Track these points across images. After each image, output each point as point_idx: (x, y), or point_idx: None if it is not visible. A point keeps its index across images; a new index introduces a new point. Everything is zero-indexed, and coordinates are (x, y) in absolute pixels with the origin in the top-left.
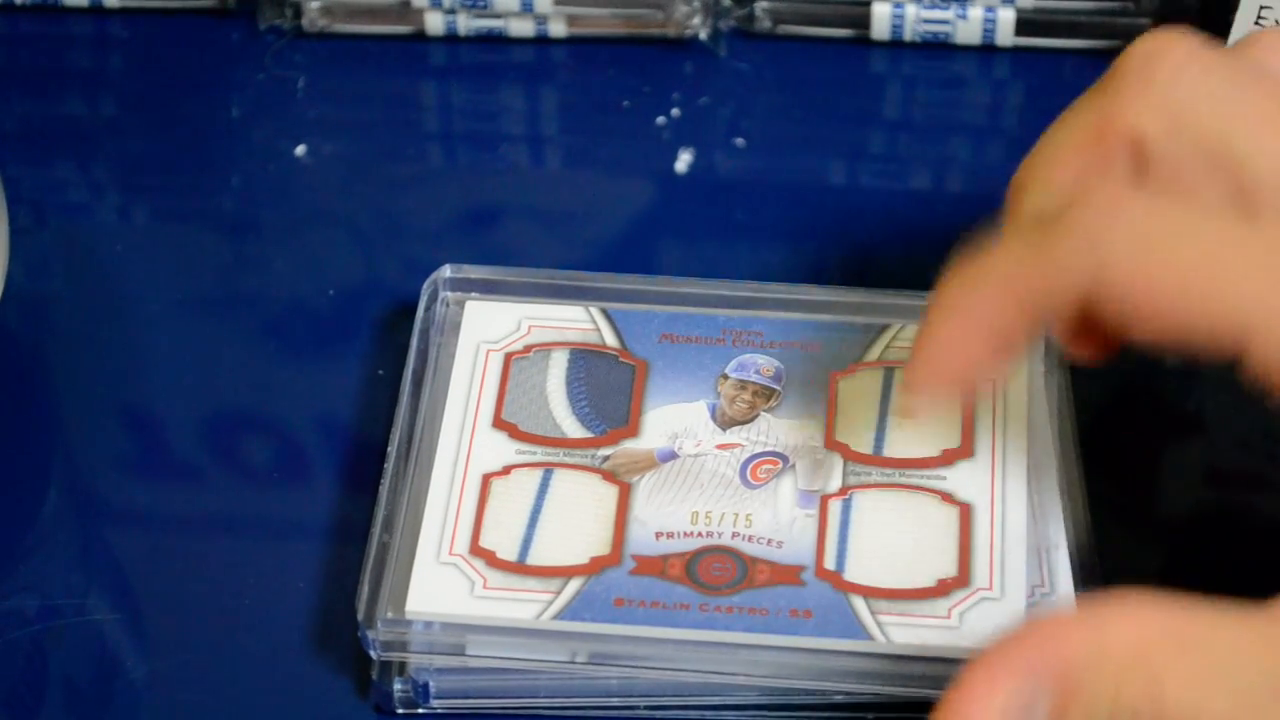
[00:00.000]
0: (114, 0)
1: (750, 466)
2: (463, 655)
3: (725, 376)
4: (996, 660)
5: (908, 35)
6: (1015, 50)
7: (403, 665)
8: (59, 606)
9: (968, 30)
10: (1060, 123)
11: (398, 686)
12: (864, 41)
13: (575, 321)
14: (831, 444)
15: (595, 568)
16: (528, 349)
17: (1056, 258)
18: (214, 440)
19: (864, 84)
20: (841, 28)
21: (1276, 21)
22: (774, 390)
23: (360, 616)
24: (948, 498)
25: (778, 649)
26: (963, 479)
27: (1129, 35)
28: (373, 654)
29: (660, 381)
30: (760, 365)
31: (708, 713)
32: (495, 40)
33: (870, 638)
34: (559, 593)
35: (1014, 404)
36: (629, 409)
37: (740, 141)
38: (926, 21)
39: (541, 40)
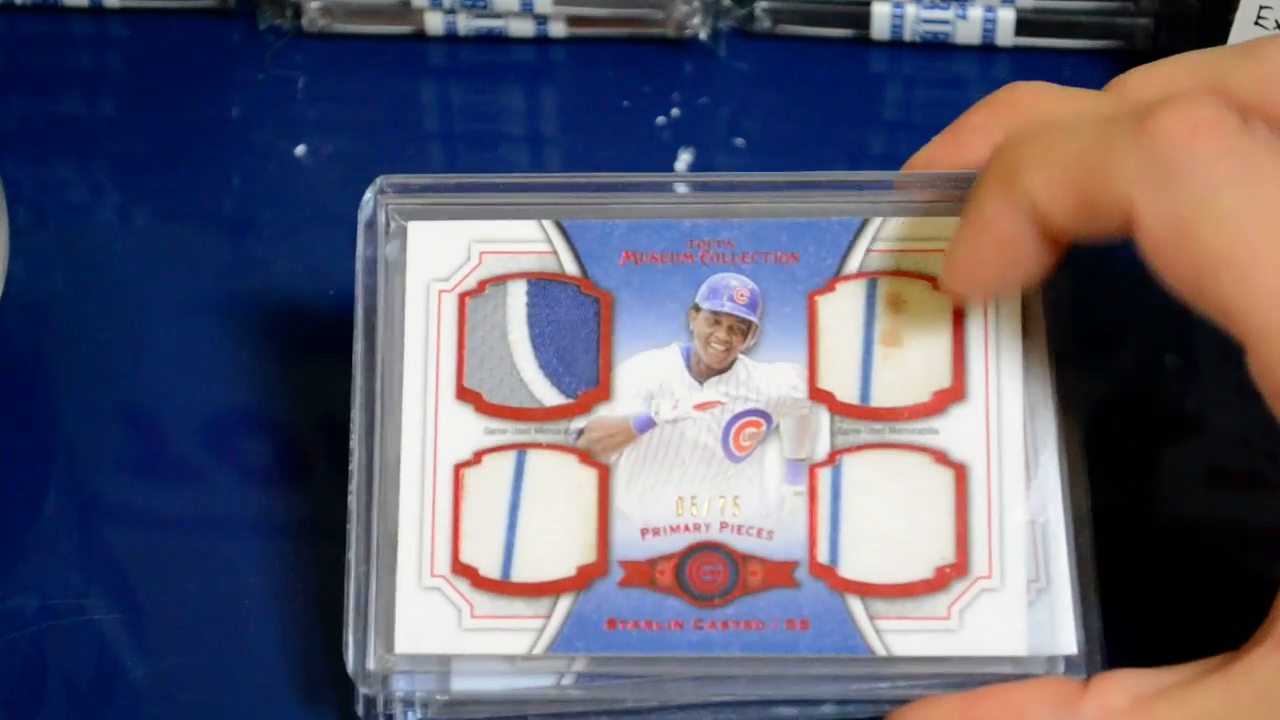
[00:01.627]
0: (114, 0)
1: (732, 432)
2: (450, 693)
3: (697, 308)
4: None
5: (907, 35)
6: (1015, 50)
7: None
8: (59, 606)
9: (968, 30)
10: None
11: None
12: (864, 41)
13: (530, 242)
14: (815, 393)
15: (583, 581)
16: (482, 285)
17: (1114, 157)
18: (214, 440)
19: (864, 84)
20: (841, 28)
21: (1277, 22)
22: (750, 322)
23: (349, 666)
24: (941, 457)
25: (775, 665)
26: (956, 431)
27: (1129, 35)
28: (365, 691)
29: (628, 319)
30: (733, 289)
31: None
32: (495, 40)
33: (869, 649)
34: (549, 616)
35: (1006, 335)
36: (598, 360)
37: (740, 141)
38: (926, 21)
39: (541, 40)
